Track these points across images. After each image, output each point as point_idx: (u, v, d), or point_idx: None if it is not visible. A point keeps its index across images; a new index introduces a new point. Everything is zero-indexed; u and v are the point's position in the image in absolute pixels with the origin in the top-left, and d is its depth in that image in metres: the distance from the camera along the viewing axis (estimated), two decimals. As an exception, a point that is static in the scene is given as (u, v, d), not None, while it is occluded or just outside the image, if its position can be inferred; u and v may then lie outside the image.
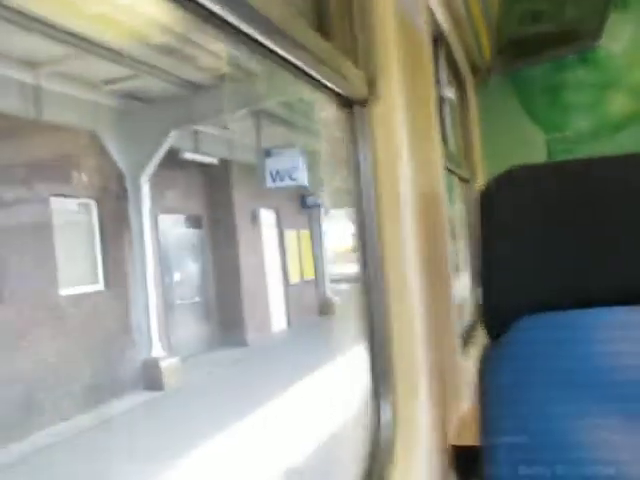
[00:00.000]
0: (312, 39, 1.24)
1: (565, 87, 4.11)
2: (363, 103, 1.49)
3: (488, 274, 1.39)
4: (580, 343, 1.30)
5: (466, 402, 2.04)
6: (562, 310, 1.32)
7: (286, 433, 7.39)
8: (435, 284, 1.83)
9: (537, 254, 1.36)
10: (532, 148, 4.10)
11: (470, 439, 1.58)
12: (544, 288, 1.36)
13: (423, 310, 1.62)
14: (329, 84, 1.35)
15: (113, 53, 8.11)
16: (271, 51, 1.12)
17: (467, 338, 2.75)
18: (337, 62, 1.36)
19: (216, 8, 0.92)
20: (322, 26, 1.48)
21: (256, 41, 1.06)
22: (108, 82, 9.26)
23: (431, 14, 2.38)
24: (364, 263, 1.53)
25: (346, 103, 1.48)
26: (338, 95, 1.44)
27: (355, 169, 1.50)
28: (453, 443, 1.70)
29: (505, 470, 1.29)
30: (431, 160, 2.04)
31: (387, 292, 1.54)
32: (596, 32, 3.91)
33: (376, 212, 1.52)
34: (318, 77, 1.30)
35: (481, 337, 3.23)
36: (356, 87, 1.45)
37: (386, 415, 1.52)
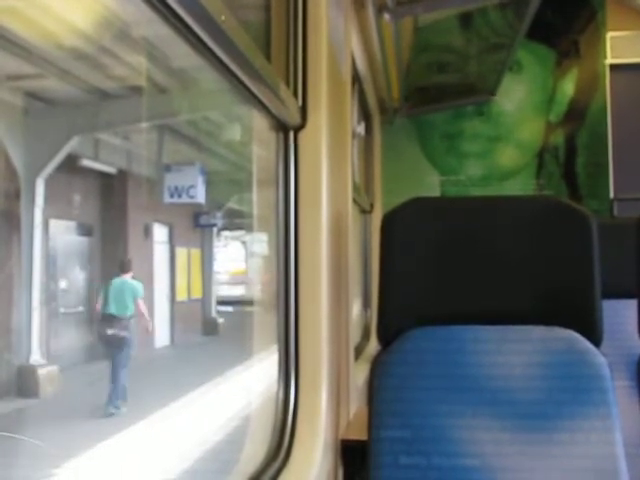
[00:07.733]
0: (259, 60, 1.38)
1: (462, 136, 4.47)
2: (297, 129, 1.68)
3: (385, 290, 1.59)
4: (458, 354, 1.52)
5: (354, 405, 2.25)
6: (445, 325, 1.55)
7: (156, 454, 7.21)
8: (339, 297, 2.03)
9: (426, 276, 1.57)
10: (428, 187, 4.43)
11: (357, 435, 1.79)
12: (431, 306, 1.57)
13: (328, 319, 1.81)
14: (271, 109, 1.53)
15: (20, 48, 7.93)
16: (226, 67, 1.26)
17: (357, 352, 2.97)
18: (278, 88, 1.54)
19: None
20: (265, 55, 1.66)
21: (222, 62, 1.21)
22: (11, 78, 9.03)
23: (352, 56, 2.61)
24: (284, 271, 1.70)
25: (281, 128, 1.66)
26: (275, 119, 1.62)
27: (283, 188, 1.68)
28: (343, 438, 1.90)
29: (388, 459, 1.48)
30: (343, 188, 2.25)
31: (300, 299, 1.72)
32: (493, 88, 4.30)
33: (298, 227, 1.70)
34: (262, 99, 1.47)
35: (369, 352, 3.47)
36: (292, 114, 1.64)
37: (290, 408, 1.69)
